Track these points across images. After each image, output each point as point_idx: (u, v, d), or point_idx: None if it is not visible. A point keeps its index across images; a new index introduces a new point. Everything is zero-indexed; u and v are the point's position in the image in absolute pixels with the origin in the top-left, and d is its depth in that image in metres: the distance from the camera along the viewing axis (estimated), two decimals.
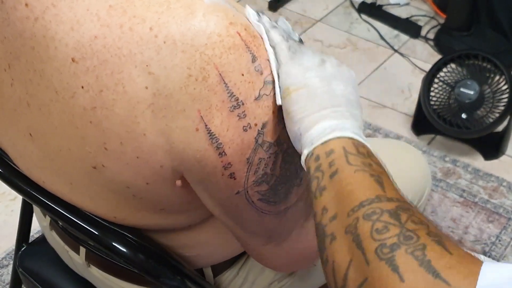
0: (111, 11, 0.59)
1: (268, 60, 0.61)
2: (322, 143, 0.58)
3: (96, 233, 0.73)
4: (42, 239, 1.02)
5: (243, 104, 0.60)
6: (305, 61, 0.62)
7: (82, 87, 0.60)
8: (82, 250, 0.88)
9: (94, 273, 0.91)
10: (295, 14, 2.54)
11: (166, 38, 0.57)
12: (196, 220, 0.76)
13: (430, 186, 1.19)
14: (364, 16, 2.44)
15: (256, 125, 0.61)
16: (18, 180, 0.76)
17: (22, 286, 1.11)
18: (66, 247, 0.92)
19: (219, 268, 0.88)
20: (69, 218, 0.73)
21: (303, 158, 0.59)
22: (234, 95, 0.59)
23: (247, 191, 0.65)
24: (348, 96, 0.62)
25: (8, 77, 0.66)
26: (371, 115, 2.02)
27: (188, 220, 0.75)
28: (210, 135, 0.60)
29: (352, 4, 2.49)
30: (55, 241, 0.94)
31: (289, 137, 0.63)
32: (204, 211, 0.71)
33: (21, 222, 1.07)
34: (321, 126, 0.59)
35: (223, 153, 0.61)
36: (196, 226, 0.78)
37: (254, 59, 0.60)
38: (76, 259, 0.92)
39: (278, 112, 0.62)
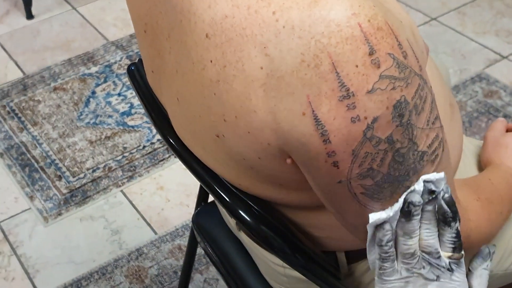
0: None
1: (389, 54, 0.60)
2: None
3: (228, 199, 0.79)
4: None
5: (353, 95, 0.59)
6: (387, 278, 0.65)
7: (211, 61, 0.65)
8: None
9: (243, 238, 0.98)
10: None
11: (286, 23, 0.60)
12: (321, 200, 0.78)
13: None
14: None
15: (366, 118, 0.60)
16: (179, 146, 0.85)
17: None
18: (224, 210, 1.00)
19: (355, 255, 0.89)
20: (209, 182, 0.81)
21: None
22: (345, 85, 0.59)
23: (350, 182, 0.64)
24: None
25: (168, 45, 0.74)
26: None
27: (313, 199, 0.76)
28: (316, 121, 0.61)
29: None
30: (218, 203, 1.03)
31: (405, 137, 0.62)
32: None
33: None
34: None
35: (328, 141, 0.61)
36: (324, 207, 0.79)
37: (372, 52, 0.59)
38: (231, 223, 1.00)
39: (394, 109, 0.61)
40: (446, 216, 0.64)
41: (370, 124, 0.60)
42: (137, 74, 0.99)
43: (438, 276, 0.64)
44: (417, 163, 0.65)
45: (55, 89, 2.21)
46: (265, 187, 0.76)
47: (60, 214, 1.77)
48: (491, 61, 2.17)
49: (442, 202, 0.65)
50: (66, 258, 1.67)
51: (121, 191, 1.83)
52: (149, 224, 1.74)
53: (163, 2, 0.72)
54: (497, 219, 0.82)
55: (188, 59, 0.69)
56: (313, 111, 0.60)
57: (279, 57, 0.60)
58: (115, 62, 2.32)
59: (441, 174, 0.64)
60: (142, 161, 1.91)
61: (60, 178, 1.87)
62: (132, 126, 2.04)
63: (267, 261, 0.95)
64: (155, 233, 1.71)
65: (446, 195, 0.64)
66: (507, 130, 0.99)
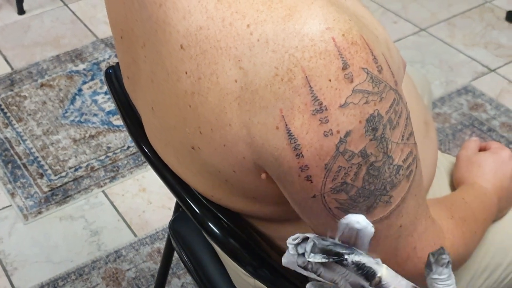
0: (218, 5, 0.62)
1: (363, 68, 0.59)
2: None
3: (197, 211, 0.79)
4: None
5: (326, 109, 0.59)
6: None
7: (186, 73, 0.65)
8: None
9: (217, 247, 0.98)
10: None
11: (260, 37, 0.59)
12: (294, 214, 0.75)
13: None
14: None
15: (338, 132, 0.60)
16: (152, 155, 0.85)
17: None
18: None
19: None
20: (179, 192, 0.80)
21: None
22: (318, 99, 0.59)
23: (324, 197, 0.64)
24: None
25: (143, 54, 0.74)
26: None
27: (286, 213, 0.76)
28: (289, 135, 0.60)
29: None
30: None
31: (380, 151, 0.62)
32: None
33: None
34: None
35: (300, 155, 0.61)
36: (296, 220, 0.77)
37: (345, 67, 0.59)
38: None
39: (367, 123, 0.61)
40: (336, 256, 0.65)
41: (342, 138, 0.60)
42: (114, 78, 0.99)
43: None
44: (394, 177, 0.65)
45: (41, 85, 2.20)
46: (238, 199, 0.76)
47: (40, 213, 1.77)
48: (479, 73, 2.18)
49: None
50: (44, 257, 1.66)
51: (103, 191, 1.82)
52: (129, 226, 1.73)
53: (139, 10, 0.72)
54: (471, 238, 0.82)
55: (162, 69, 0.69)
56: (286, 125, 0.60)
57: (253, 70, 0.60)
58: (103, 60, 2.31)
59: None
60: (125, 162, 1.91)
61: (42, 176, 1.86)
62: (117, 126, 2.03)
63: (238, 272, 0.95)
64: (135, 235, 1.71)
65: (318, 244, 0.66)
66: (480, 150, 0.99)
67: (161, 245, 1.67)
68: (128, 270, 1.62)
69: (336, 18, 0.59)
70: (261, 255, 0.79)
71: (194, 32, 0.63)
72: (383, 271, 0.63)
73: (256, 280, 0.91)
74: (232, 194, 0.74)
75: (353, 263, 0.62)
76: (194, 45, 0.63)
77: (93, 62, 2.31)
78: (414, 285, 0.64)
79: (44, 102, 2.13)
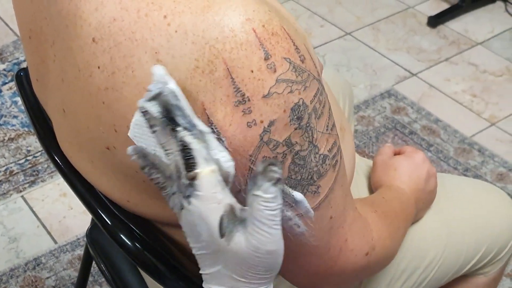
0: None
1: (285, 58, 0.59)
2: None
3: (108, 221, 0.77)
4: None
5: (249, 100, 0.59)
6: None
7: (98, 67, 0.62)
8: None
9: None
10: (454, 33, 2.43)
11: (178, 28, 0.58)
12: None
13: None
14: None
15: (262, 122, 0.59)
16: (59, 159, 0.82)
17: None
18: None
19: None
20: (90, 202, 0.78)
21: None
22: (240, 91, 0.58)
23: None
24: None
25: (52, 53, 0.71)
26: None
27: None
28: (212, 128, 0.60)
29: None
30: None
31: (305, 140, 0.62)
32: None
33: None
34: None
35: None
36: None
37: (267, 57, 0.59)
38: None
39: (291, 112, 0.60)
40: (170, 121, 0.59)
41: (266, 128, 0.60)
42: (25, 81, 0.95)
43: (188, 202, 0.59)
44: (320, 166, 0.65)
45: None
46: (156, 204, 0.74)
47: None
48: (401, 77, 2.23)
49: (152, 106, 0.58)
50: None
51: (22, 196, 1.77)
52: (49, 233, 1.68)
53: (48, 8, 0.69)
54: (396, 232, 0.83)
55: (73, 66, 0.66)
56: (208, 118, 0.59)
57: (172, 63, 0.59)
58: (25, 60, 2.24)
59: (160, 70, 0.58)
60: (46, 166, 1.85)
61: None
62: None
63: (155, 282, 0.93)
64: (55, 242, 1.66)
65: (164, 95, 0.57)
66: (395, 154, 1.01)
67: (82, 252, 1.63)
68: (47, 278, 1.57)
69: (256, 9, 0.59)
70: (175, 266, 0.78)
71: (107, 24, 0.61)
72: (205, 172, 0.57)
73: None
74: (149, 197, 0.72)
75: (181, 141, 0.58)
76: (107, 38, 0.61)
77: (13, 62, 2.23)
78: (231, 202, 0.58)
79: None
